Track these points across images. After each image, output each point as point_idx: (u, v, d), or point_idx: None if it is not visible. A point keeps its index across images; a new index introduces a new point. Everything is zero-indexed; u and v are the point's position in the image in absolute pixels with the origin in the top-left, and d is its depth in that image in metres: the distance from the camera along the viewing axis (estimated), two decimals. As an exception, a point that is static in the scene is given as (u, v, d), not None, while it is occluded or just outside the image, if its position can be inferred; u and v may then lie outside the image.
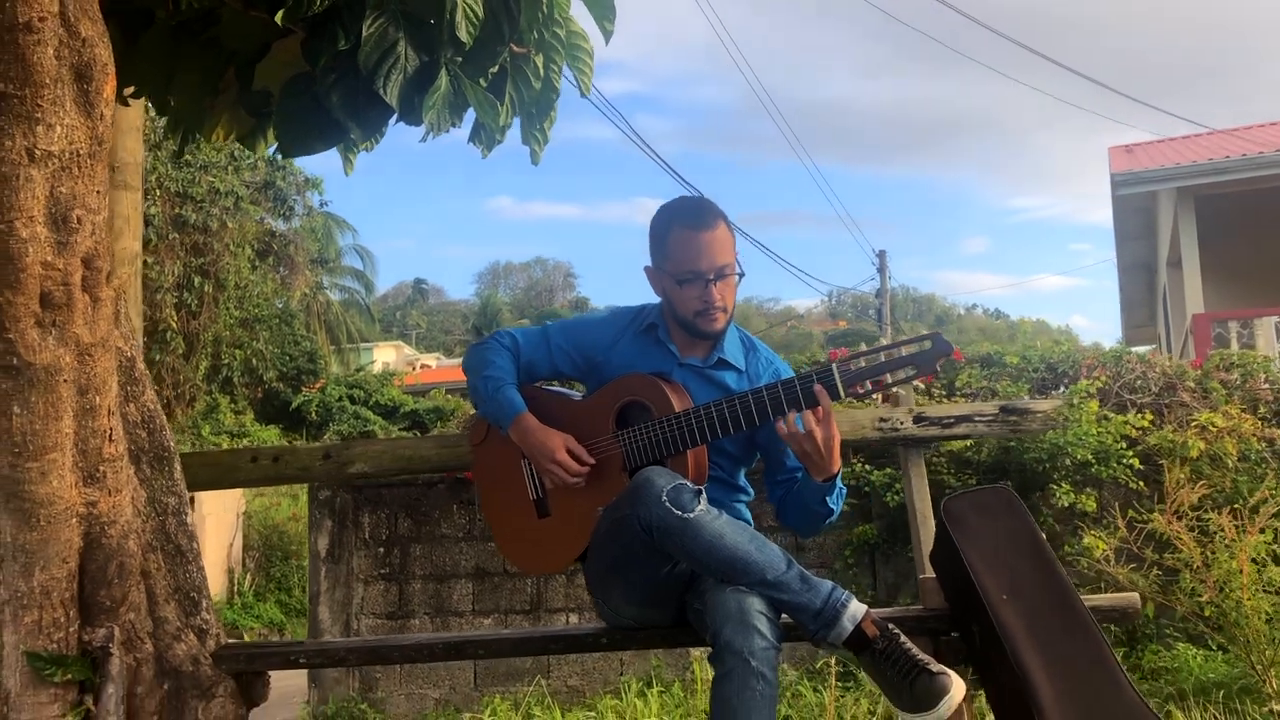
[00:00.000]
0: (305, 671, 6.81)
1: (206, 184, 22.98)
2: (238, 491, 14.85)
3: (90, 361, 2.26)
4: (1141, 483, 5.70)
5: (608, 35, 3.45)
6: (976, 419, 2.92)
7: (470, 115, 3.75)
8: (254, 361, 24.00)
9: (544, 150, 3.94)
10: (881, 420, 2.95)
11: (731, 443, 2.56)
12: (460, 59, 3.30)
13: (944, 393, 6.69)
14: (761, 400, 2.39)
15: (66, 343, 2.20)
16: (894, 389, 2.27)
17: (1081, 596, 2.44)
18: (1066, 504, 5.53)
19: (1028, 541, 2.46)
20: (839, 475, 2.47)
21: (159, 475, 2.72)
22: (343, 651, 2.62)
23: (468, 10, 3.23)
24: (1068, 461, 5.48)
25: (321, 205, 28.37)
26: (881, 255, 24.93)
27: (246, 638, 13.97)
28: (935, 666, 2.18)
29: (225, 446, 19.96)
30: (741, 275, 2.59)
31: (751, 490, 2.75)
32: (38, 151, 2.01)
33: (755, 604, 2.27)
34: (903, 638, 2.24)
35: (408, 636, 2.56)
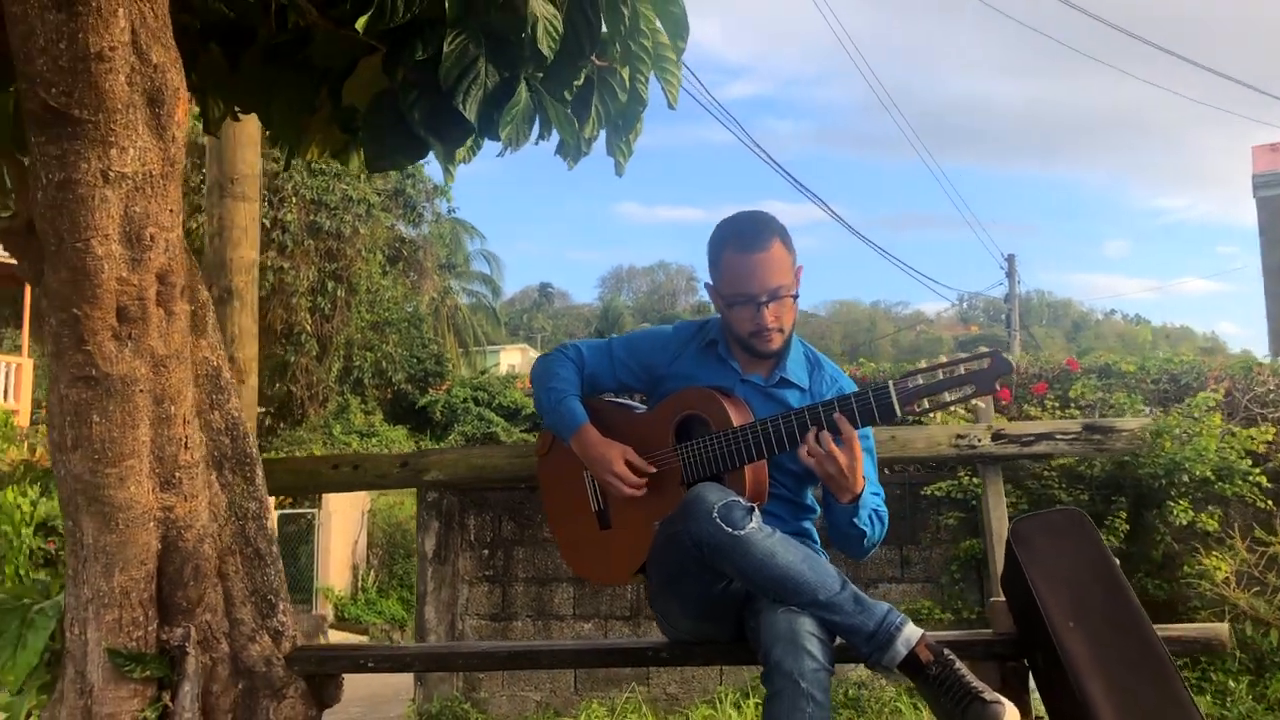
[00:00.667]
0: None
1: (340, 192, 23.71)
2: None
3: (165, 373, 2.36)
4: (1270, 501, 5.42)
5: (679, 53, 3.46)
6: (1058, 437, 2.82)
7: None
8: (383, 364, 24.69)
9: (628, 161, 3.96)
10: (959, 437, 2.88)
11: (792, 460, 2.53)
12: (541, 74, 3.34)
13: (1057, 404, 6.48)
14: (817, 416, 2.35)
15: (142, 354, 2.30)
16: (953, 407, 2.21)
17: (1163, 627, 2.34)
18: (1185, 522, 5.28)
19: (1099, 566, 2.37)
20: (863, 496, 2.42)
21: (240, 481, 2.81)
22: (409, 657, 2.68)
23: (548, 25, 3.27)
24: (1186, 478, 5.24)
25: (450, 212, 29.02)
26: (1010, 259, 24.28)
27: (370, 633, 14.37)
28: (989, 695, 2.11)
29: (355, 445, 20.57)
30: (795, 296, 2.55)
31: (819, 508, 2.71)
32: (112, 173, 2.11)
33: (806, 625, 2.24)
34: (957, 664, 2.18)
35: (471, 645, 2.61)
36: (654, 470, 2.55)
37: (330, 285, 23.69)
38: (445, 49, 3.14)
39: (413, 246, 26.89)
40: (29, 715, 2.69)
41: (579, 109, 3.72)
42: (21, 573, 11.83)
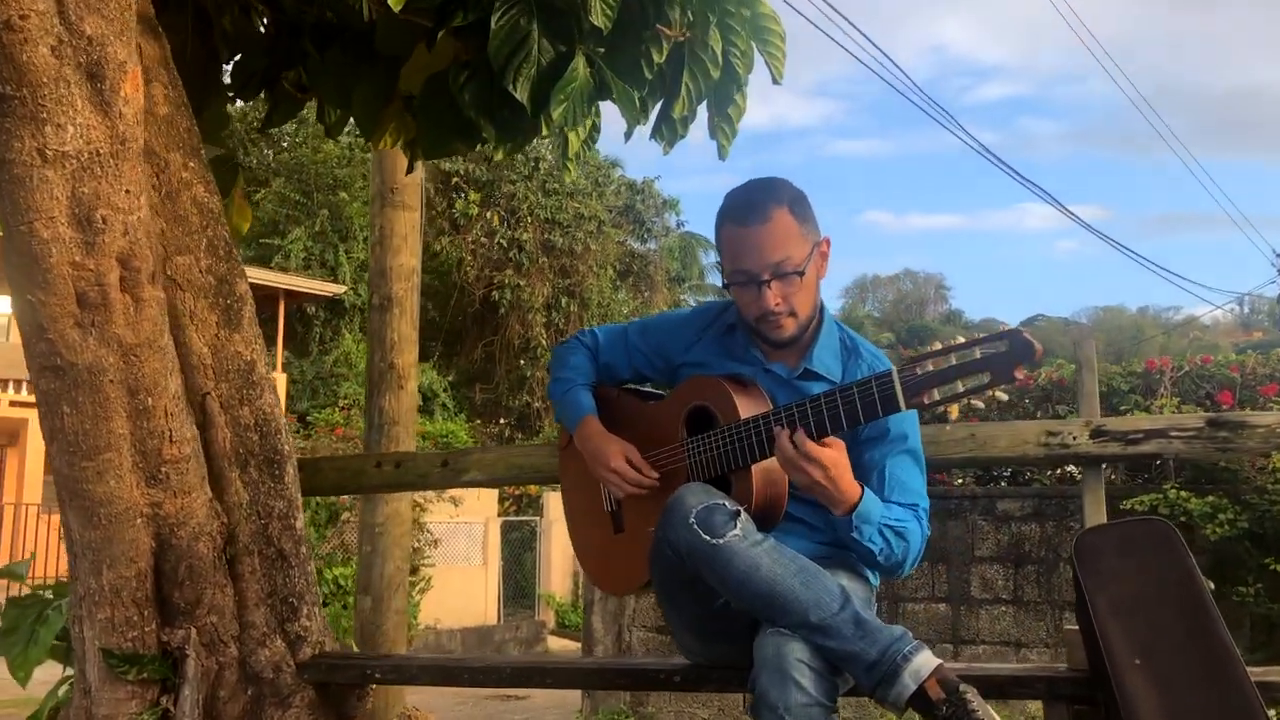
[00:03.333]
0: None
1: (572, 210, 24.27)
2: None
3: (137, 362, 2.27)
4: None
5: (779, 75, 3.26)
6: (1173, 434, 2.31)
7: (656, 110, 3.56)
8: (616, 377, 24.98)
9: (731, 143, 3.67)
10: (1050, 435, 2.42)
11: None
12: (603, 49, 3.11)
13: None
14: (819, 409, 1.99)
15: (108, 343, 2.21)
16: (968, 401, 1.80)
17: (1263, 671, 1.85)
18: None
19: (1184, 592, 1.90)
20: (863, 508, 2.03)
21: (267, 479, 2.71)
22: (415, 669, 2.50)
23: (603, -9, 3.04)
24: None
25: (679, 226, 29.15)
26: (1285, 255, 22.00)
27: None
28: (1006, 746, 1.71)
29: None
30: (801, 274, 2.17)
31: None
32: (49, 152, 2.03)
33: (796, 650, 1.89)
34: (974, 704, 1.78)
35: (479, 660, 2.40)
36: (655, 473, 2.25)
37: (564, 300, 24.25)
38: (494, 24, 2.95)
39: (643, 261, 27.17)
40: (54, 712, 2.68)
41: (666, 86, 3.47)
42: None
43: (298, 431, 17.54)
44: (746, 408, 2.14)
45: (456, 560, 15.70)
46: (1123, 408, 6.49)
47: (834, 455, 1.96)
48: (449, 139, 3.28)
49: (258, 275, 19.92)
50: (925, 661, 1.85)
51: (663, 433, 2.29)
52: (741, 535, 1.95)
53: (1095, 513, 2.38)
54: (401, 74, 3.26)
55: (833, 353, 2.28)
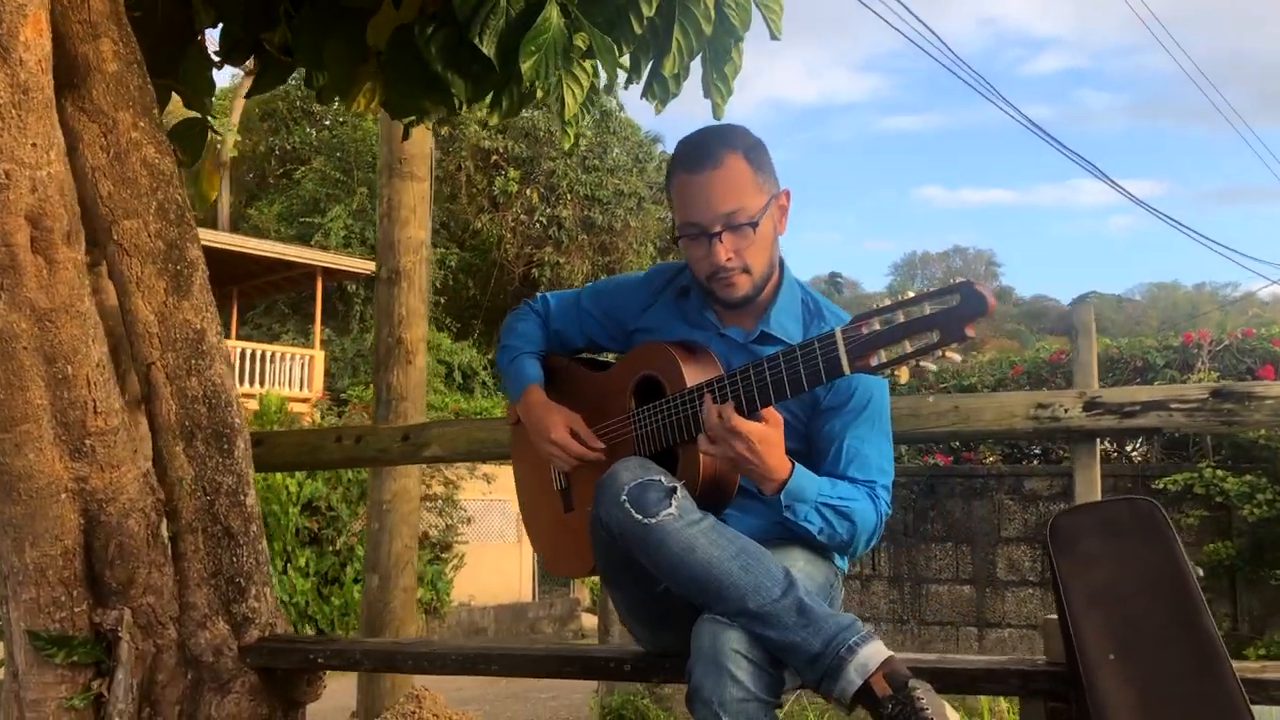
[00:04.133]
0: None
1: (612, 187, 24.09)
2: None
3: (53, 329, 2.14)
4: None
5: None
6: (1173, 406, 2.11)
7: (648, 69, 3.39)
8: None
9: (727, 102, 3.49)
10: (1040, 407, 2.22)
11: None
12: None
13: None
14: (761, 375, 1.80)
15: (19, 308, 2.08)
16: (917, 363, 1.61)
17: (1248, 666, 1.65)
18: None
19: (1168, 579, 1.70)
20: (793, 484, 1.86)
21: (215, 453, 2.58)
22: (359, 654, 2.36)
23: (575, -66, 2.86)
24: None
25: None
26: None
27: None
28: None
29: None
30: (755, 225, 1.97)
31: None
32: (-59, 103, 1.90)
33: (733, 640, 1.72)
34: (922, 700, 1.60)
35: (424, 643, 2.26)
36: (601, 446, 2.09)
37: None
38: (459, -30, 2.79)
39: (684, 237, 26.91)
40: None
41: (657, 41, 3.29)
42: (288, 549, 12.59)
43: (331, 409, 17.58)
44: (694, 375, 1.97)
45: (490, 538, 15.67)
46: (1158, 384, 6.22)
47: (761, 429, 1.79)
48: (417, 96, 3.12)
49: (296, 253, 19.99)
50: (873, 654, 1.67)
51: (612, 404, 2.12)
52: (677, 514, 1.78)
53: (1088, 492, 2.19)
54: (369, 28, 3.10)
55: (793, 315, 2.09)
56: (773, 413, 1.81)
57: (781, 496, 1.86)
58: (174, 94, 3.56)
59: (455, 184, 25.19)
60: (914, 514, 6.47)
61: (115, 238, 2.64)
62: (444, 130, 24.84)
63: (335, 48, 3.33)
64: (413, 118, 3.30)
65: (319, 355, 19.63)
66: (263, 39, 3.57)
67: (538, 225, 24.20)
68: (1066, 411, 2.19)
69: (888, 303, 1.65)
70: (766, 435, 1.80)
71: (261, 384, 18.27)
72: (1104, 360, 6.77)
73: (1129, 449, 6.32)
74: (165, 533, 2.46)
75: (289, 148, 27.32)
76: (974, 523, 6.37)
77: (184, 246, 2.72)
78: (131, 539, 2.33)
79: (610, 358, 2.37)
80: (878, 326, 1.65)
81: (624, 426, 2.08)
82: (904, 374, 1.63)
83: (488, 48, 2.86)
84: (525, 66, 2.78)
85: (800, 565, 1.91)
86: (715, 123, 2.11)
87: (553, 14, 2.81)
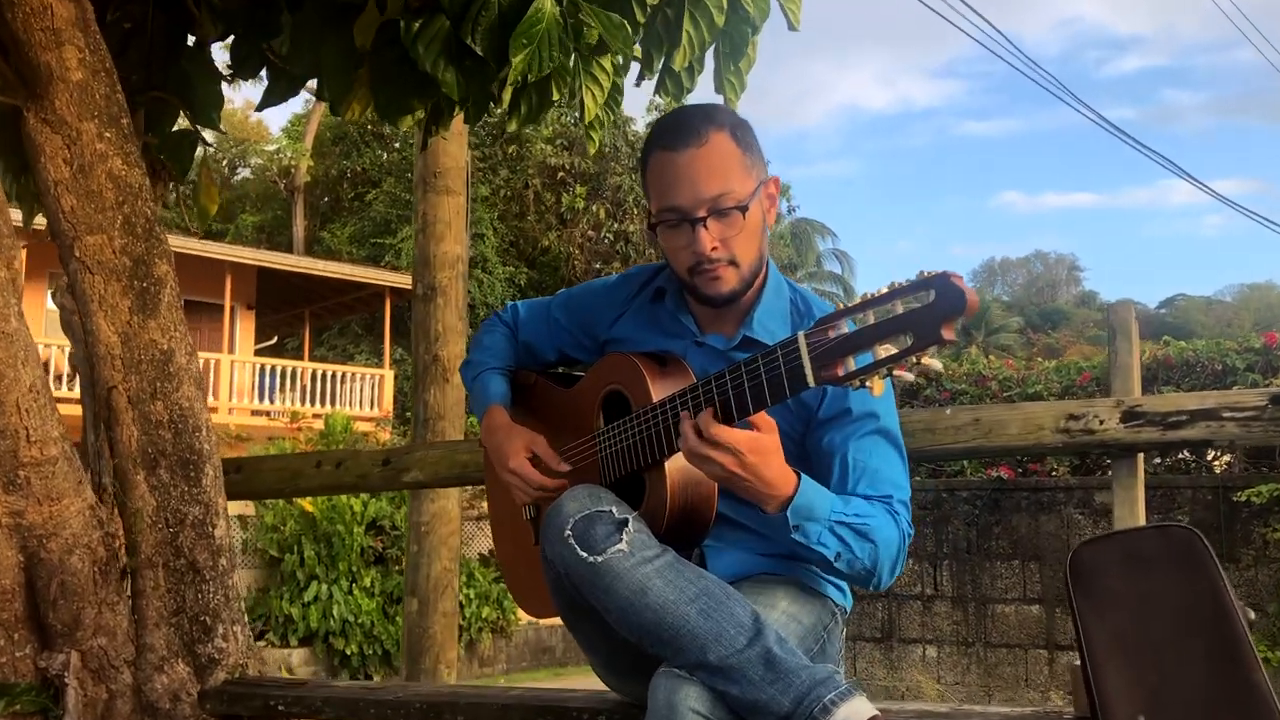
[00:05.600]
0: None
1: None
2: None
3: (-26, 352, 1.98)
4: None
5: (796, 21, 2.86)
6: (1225, 415, 1.82)
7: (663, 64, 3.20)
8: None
9: (740, 97, 3.27)
10: (1071, 418, 1.94)
11: None
12: (587, -9, 2.75)
13: None
14: (724, 388, 1.56)
15: (-65, 331, 1.93)
16: (889, 371, 1.35)
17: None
18: None
19: (1207, 622, 1.43)
20: (801, 501, 1.57)
21: (180, 482, 2.41)
22: (319, 701, 2.16)
23: (568, -83, 2.68)
24: None
25: (790, 212, 28.58)
26: None
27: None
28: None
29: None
30: (744, 210, 1.72)
31: None
32: None
33: (690, 697, 1.48)
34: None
35: (389, 691, 2.05)
36: (564, 466, 1.85)
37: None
38: (445, -38, 2.62)
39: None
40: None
41: (668, 33, 3.09)
42: (354, 569, 12.52)
43: (397, 427, 17.57)
44: (661, 389, 1.73)
45: (558, 556, 15.48)
46: (1237, 388, 5.82)
47: (751, 438, 1.52)
48: (405, 97, 2.94)
49: (365, 273, 20.14)
50: (854, 713, 1.42)
51: (580, 423, 1.90)
52: (627, 550, 1.54)
53: (1128, 516, 1.91)
54: (355, 28, 2.94)
55: (780, 316, 1.84)
56: (766, 418, 1.55)
57: (788, 514, 1.58)
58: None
59: (523, 202, 25.24)
60: (978, 530, 6.12)
61: (77, 254, 2.50)
62: (510, 149, 24.94)
63: (330, 53, 3.17)
64: (406, 117, 3.11)
65: (388, 374, 19.69)
66: (267, 50, 3.44)
67: (605, 241, 24.15)
68: (1102, 423, 1.91)
69: (857, 301, 1.40)
70: (759, 444, 1.53)
71: (333, 404, 18.38)
72: (1180, 364, 6.35)
73: (1209, 457, 5.93)
74: (121, 568, 2.30)
75: (360, 170, 27.65)
76: (1042, 538, 6.01)
77: (151, 262, 2.57)
78: (75, 577, 2.16)
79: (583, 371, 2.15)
80: (845, 329, 1.41)
81: (590, 448, 1.85)
82: (877, 386, 1.38)
83: (480, 44, 2.69)
84: (516, 60, 2.60)
85: (783, 607, 1.67)
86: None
87: (545, 4, 2.61)
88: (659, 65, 3.20)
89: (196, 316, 19.84)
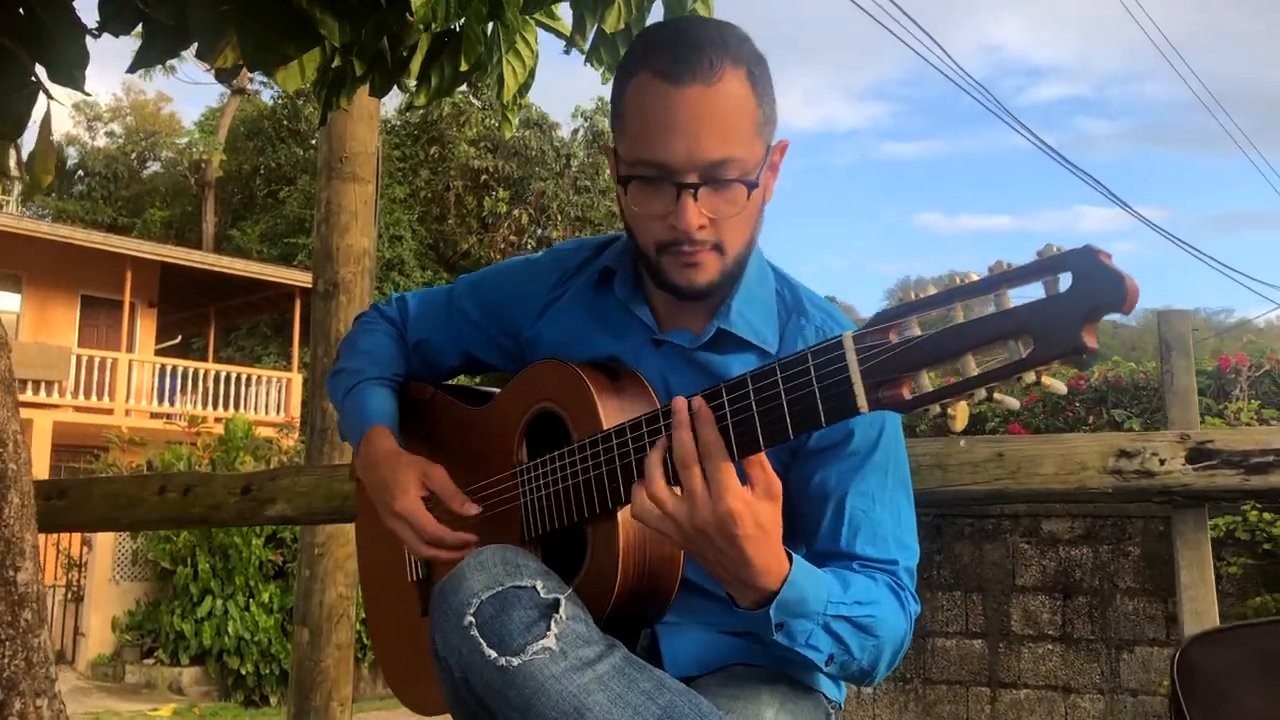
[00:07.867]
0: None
1: (605, 208, 23.55)
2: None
3: None
4: None
5: None
6: (1327, 456, 1.42)
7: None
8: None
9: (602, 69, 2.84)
10: (1123, 456, 1.52)
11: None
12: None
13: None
14: (722, 411, 1.09)
15: None
16: (990, 395, 0.91)
17: None
18: None
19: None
20: (791, 592, 1.12)
21: (-23, 509, 1.88)
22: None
23: None
24: None
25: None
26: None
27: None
28: None
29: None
30: (751, 185, 1.26)
31: None
32: None
33: None
34: None
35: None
36: (472, 508, 1.37)
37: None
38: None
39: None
40: None
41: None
42: (251, 583, 11.85)
43: (303, 435, 16.85)
44: (615, 412, 1.26)
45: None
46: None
47: (745, 503, 1.07)
48: (277, 41, 2.44)
49: (272, 272, 19.37)
50: None
51: (495, 454, 1.41)
52: (556, 649, 1.07)
53: (1196, 585, 1.48)
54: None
55: (763, 308, 1.38)
56: (769, 470, 1.10)
57: (771, 611, 1.13)
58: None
59: (444, 204, 24.68)
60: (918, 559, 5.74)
61: None
62: (432, 150, 24.33)
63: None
64: (282, 69, 2.61)
65: (296, 378, 18.94)
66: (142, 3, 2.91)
67: (528, 246, 23.77)
68: (1163, 462, 1.50)
69: (932, 291, 0.95)
70: (753, 514, 1.07)
71: (237, 408, 17.61)
72: (1130, 387, 6.11)
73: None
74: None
75: (274, 165, 26.83)
76: (985, 569, 5.66)
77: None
78: None
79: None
80: (918, 331, 0.95)
81: (508, 489, 1.37)
82: (962, 415, 0.93)
83: (365, -22, 2.21)
84: (418, 4, 2.11)
85: (770, 716, 1.21)
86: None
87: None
88: (592, 29, 2.75)
89: (94, 312, 18.89)
